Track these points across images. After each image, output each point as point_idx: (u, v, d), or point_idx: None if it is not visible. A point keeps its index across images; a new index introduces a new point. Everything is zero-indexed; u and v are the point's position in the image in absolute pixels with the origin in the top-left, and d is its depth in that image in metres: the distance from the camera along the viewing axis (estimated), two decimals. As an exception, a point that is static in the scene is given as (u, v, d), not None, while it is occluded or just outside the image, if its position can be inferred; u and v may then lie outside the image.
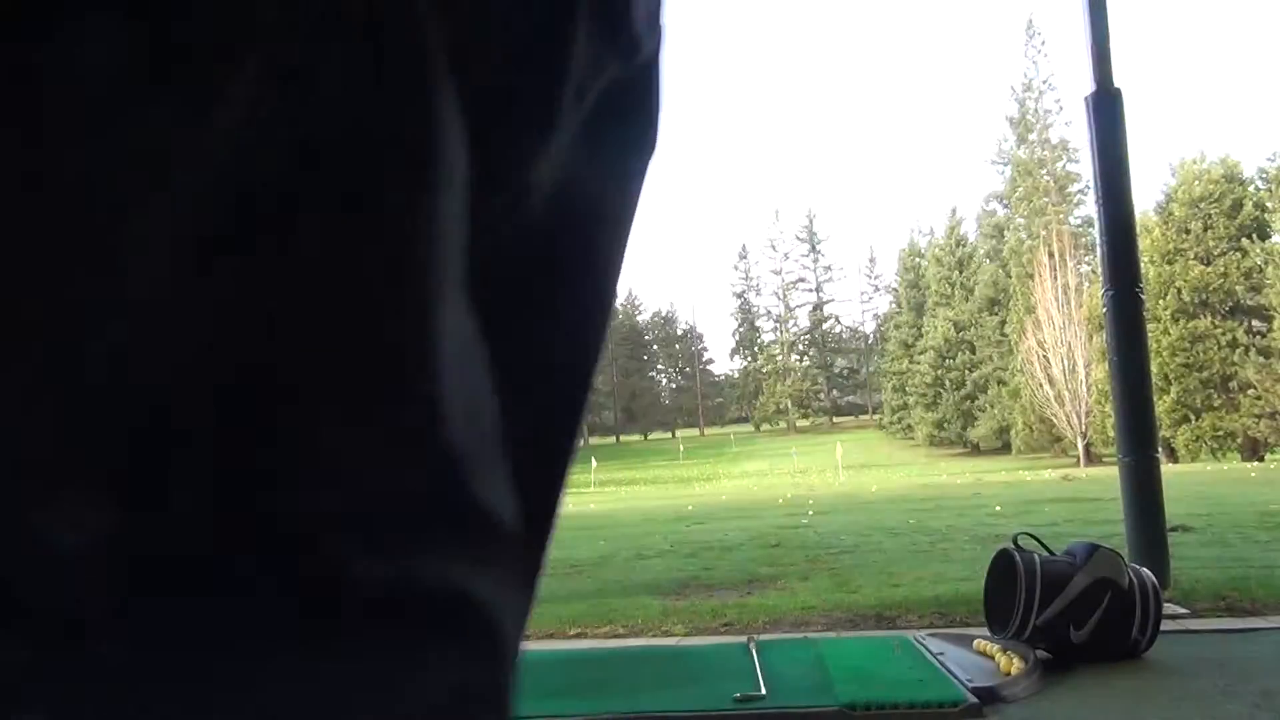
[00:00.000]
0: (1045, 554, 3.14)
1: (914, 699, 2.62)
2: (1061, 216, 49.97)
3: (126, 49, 0.28)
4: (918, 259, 66.48)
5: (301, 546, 0.31)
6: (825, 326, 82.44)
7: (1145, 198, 36.14)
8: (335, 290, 0.31)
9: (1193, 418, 32.80)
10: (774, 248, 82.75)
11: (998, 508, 10.88)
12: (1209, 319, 32.98)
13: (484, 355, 0.37)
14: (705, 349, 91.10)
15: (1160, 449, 5.76)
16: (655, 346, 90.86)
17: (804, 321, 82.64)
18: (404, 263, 0.32)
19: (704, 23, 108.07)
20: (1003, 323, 49.05)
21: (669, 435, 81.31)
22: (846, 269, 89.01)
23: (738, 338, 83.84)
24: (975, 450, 52.51)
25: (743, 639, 3.49)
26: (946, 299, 57.43)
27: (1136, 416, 4.22)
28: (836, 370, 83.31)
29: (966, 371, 53.87)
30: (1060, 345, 38.59)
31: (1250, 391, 32.06)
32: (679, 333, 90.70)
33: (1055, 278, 39.61)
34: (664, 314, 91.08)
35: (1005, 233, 54.48)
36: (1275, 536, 6.38)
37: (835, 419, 79.64)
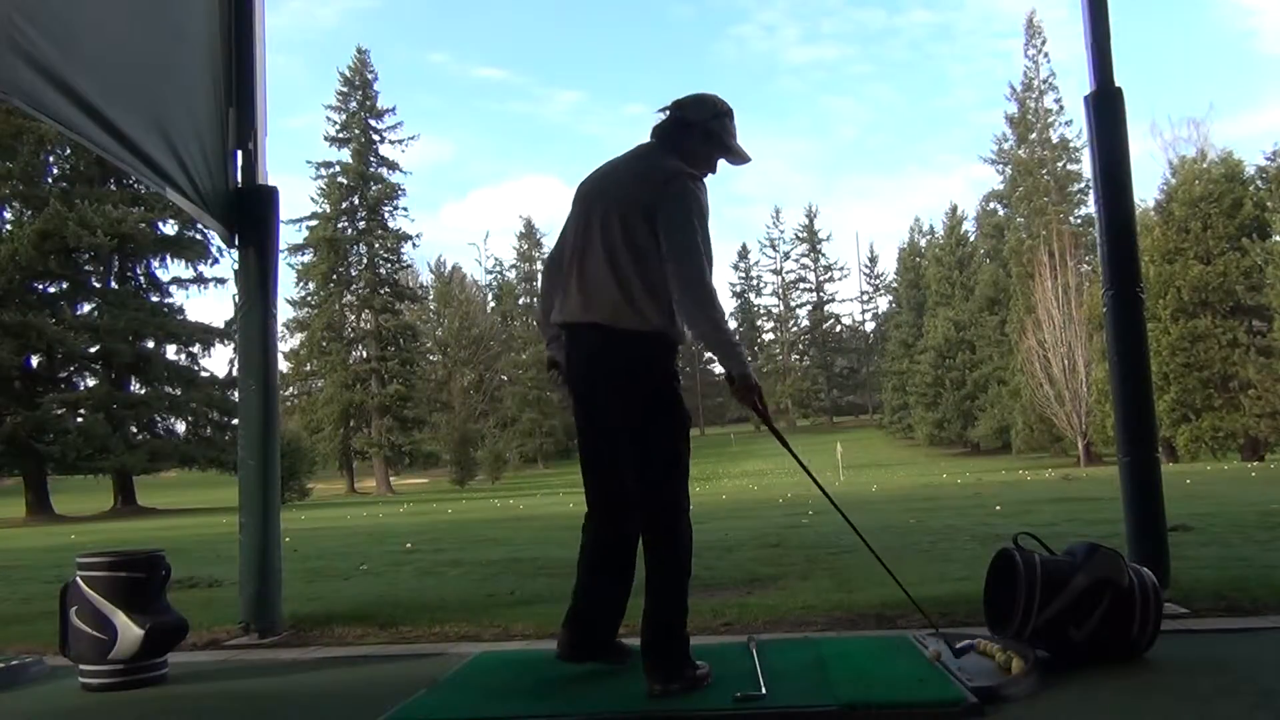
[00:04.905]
0: (1045, 554, 3.14)
1: (914, 699, 2.62)
2: (1061, 216, 49.94)
3: None
4: (918, 259, 66.42)
5: None
6: (825, 326, 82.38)
7: (1145, 197, 36.03)
8: None
9: (1193, 418, 32.76)
10: (774, 247, 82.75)
11: (998, 508, 10.88)
12: (1209, 319, 32.93)
13: None
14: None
15: (1160, 449, 5.76)
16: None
17: (804, 321, 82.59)
18: None
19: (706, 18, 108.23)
20: (1003, 323, 49.00)
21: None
22: (847, 269, 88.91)
23: (738, 337, 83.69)
24: (975, 450, 52.48)
25: (743, 639, 3.49)
26: (946, 299, 57.39)
27: (1136, 416, 4.22)
28: (836, 370, 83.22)
29: (966, 371, 53.83)
30: (1060, 345, 38.54)
31: (1250, 391, 32.02)
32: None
33: (1055, 278, 39.56)
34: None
35: (1005, 233, 54.46)
36: (1275, 536, 6.37)
37: (835, 419, 79.59)
